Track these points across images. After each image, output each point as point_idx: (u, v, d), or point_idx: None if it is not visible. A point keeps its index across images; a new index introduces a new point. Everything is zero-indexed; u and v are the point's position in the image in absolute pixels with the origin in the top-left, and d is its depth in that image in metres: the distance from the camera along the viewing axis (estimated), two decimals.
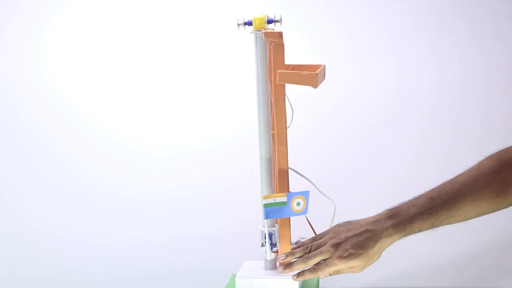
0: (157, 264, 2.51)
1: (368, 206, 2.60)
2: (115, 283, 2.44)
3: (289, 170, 2.09)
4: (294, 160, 2.11)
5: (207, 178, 2.65)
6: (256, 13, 2.01)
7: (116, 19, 2.69)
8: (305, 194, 2.01)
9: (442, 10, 2.60)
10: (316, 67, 2.05)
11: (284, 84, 2.03)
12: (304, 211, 2.02)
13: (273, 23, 2.03)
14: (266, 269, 2.13)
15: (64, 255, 2.58)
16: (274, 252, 2.10)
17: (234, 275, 2.22)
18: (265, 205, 2.00)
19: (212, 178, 2.64)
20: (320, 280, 2.30)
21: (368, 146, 2.61)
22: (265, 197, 2.00)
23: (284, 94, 2.05)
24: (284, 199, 2.00)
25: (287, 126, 2.07)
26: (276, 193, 2.09)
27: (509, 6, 2.58)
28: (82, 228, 2.63)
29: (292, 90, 2.10)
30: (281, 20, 2.03)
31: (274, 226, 2.09)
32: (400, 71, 2.61)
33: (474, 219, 2.52)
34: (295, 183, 2.15)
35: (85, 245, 2.60)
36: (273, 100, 2.05)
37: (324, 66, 2.08)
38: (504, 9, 2.58)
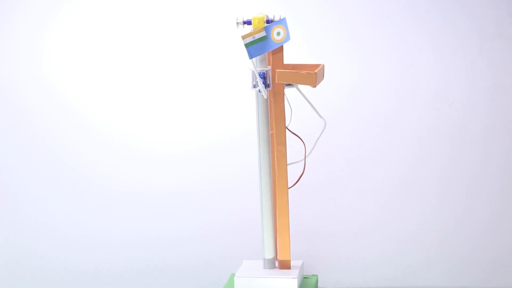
0: (157, 263, 2.51)
1: (368, 205, 2.61)
2: (115, 279, 2.44)
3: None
4: (293, 159, 2.11)
5: (207, 177, 2.65)
6: (256, 13, 2.01)
7: (118, 18, 2.70)
8: (282, 22, 1.93)
9: (444, 9, 2.60)
10: (315, 66, 2.05)
11: (283, 84, 2.04)
12: (286, 39, 1.94)
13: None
14: (265, 268, 2.13)
15: (67, 249, 2.58)
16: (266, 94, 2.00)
17: (233, 275, 2.22)
18: (247, 45, 1.90)
19: (212, 177, 2.64)
20: (320, 279, 2.30)
21: (368, 146, 2.61)
22: (243, 37, 1.90)
23: (283, 93, 2.05)
24: (263, 33, 1.91)
25: (286, 125, 2.07)
26: (275, 193, 2.10)
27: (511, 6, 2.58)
28: (84, 223, 2.63)
29: (292, 90, 2.10)
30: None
31: (266, 67, 2.01)
32: (401, 70, 2.60)
33: (474, 219, 2.52)
34: (295, 180, 2.15)
35: (87, 239, 2.60)
36: (272, 100, 2.06)
37: (323, 65, 2.08)
38: (507, 10, 2.58)
